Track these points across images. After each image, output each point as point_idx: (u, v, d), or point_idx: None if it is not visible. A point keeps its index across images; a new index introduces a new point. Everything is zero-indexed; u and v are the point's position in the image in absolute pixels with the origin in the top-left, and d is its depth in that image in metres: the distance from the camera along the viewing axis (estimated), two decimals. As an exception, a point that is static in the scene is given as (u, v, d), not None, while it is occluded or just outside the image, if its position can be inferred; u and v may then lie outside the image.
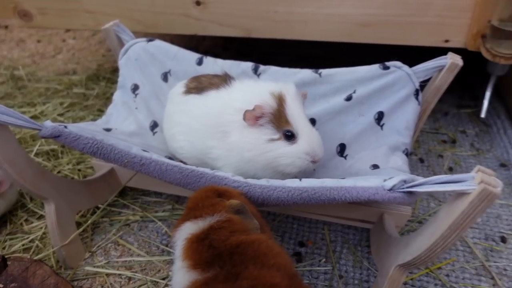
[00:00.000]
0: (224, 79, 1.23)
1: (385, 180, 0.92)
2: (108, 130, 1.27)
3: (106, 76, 2.32)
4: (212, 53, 1.51)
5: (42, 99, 2.05)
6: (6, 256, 1.08)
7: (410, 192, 0.89)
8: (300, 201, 0.97)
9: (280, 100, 1.10)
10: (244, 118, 1.08)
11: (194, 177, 1.05)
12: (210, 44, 2.79)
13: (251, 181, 1.03)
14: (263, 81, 1.22)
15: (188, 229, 0.84)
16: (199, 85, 1.25)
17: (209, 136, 1.17)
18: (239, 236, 0.80)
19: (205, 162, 1.20)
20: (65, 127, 1.08)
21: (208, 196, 0.92)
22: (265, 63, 1.43)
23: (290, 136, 1.09)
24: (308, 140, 1.09)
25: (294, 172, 1.11)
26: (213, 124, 1.16)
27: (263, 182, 1.02)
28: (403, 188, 0.88)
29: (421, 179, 0.87)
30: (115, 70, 2.42)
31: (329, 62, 1.89)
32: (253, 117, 1.08)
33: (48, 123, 1.07)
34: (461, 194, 0.80)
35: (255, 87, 1.16)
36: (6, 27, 3.18)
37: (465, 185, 0.79)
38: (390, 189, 0.89)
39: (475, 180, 0.78)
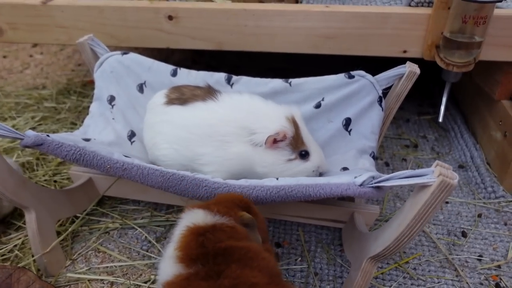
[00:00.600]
0: (208, 92, 1.29)
1: (355, 177, 0.99)
2: (87, 140, 1.30)
3: (77, 90, 2.33)
4: (182, 67, 1.57)
5: (13, 113, 2.04)
6: (-13, 266, 1.08)
7: (378, 187, 0.97)
8: (277, 198, 1.04)
9: (295, 124, 1.20)
10: (266, 142, 1.17)
11: (175, 180, 1.10)
12: (179, 58, 2.85)
13: (230, 181, 1.08)
14: (256, 97, 1.29)
15: (196, 216, 0.87)
16: (181, 96, 1.30)
17: (200, 144, 1.23)
18: (232, 242, 0.82)
19: (191, 168, 1.25)
20: (48, 135, 1.11)
21: (233, 201, 0.96)
22: (231, 74, 1.50)
23: (304, 155, 1.20)
24: (318, 156, 1.22)
25: None
26: (205, 133, 1.23)
27: (242, 182, 1.08)
28: (372, 184, 0.96)
29: (387, 175, 0.96)
30: (85, 84, 2.43)
31: (295, 74, 1.98)
32: (273, 141, 1.17)
33: (30, 132, 1.09)
34: (423, 187, 0.88)
35: (241, 100, 1.26)
36: (-30, 43, 3.13)
37: (426, 178, 0.87)
38: (361, 185, 0.97)
39: (435, 173, 0.86)
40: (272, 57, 1.96)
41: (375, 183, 0.97)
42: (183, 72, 1.54)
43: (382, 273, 1.26)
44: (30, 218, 1.18)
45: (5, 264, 1.20)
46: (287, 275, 1.24)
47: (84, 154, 1.12)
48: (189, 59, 2.83)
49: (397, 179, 0.93)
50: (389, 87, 1.36)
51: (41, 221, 1.20)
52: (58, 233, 1.30)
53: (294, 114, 1.22)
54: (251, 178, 1.16)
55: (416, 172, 0.90)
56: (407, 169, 1.72)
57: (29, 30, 1.81)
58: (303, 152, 1.20)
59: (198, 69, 1.56)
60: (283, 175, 1.19)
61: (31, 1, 1.74)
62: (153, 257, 1.28)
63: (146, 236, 1.36)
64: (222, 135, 1.21)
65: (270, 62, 2.66)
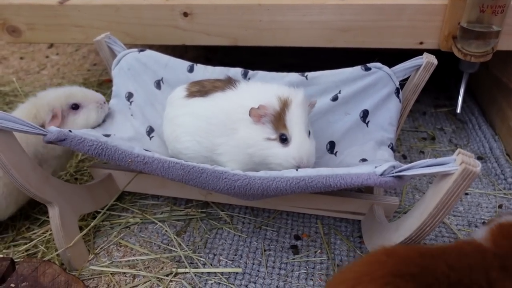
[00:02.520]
0: (228, 82, 1.30)
1: (376, 167, 0.99)
2: (107, 136, 1.31)
3: (93, 89, 2.34)
4: None
5: (32, 113, 2.07)
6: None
7: (399, 177, 0.96)
8: (298, 189, 1.04)
9: (284, 104, 1.16)
10: (250, 114, 1.16)
11: (195, 172, 1.11)
12: (193, 56, 2.86)
13: (250, 173, 1.09)
14: (271, 83, 1.29)
15: None
16: (202, 89, 1.31)
17: (218, 134, 1.24)
18: None
19: (212, 159, 1.26)
20: (70, 131, 1.13)
21: None
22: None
23: (284, 140, 1.15)
24: (298, 147, 1.14)
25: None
26: (222, 123, 1.23)
27: (262, 173, 1.09)
28: (393, 173, 0.96)
29: (409, 164, 0.95)
30: (101, 83, 2.46)
31: (309, 69, 1.98)
32: (257, 114, 1.15)
33: (53, 128, 1.11)
34: (445, 176, 0.88)
35: (266, 88, 1.23)
36: (-13, 45, 3.18)
37: (448, 167, 0.87)
38: (381, 174, 0.97)
39: (457, 161, 0.86)
40: (286, 53, 1.96)
41: (395, 172, 0.96)
42: (199, 68, 1.55)
43: (402, 265, 1.25)
44: (54, 213, 1.20)
45: (31, 257, 1.23)
46: (307, 267, 1.24)
47: (105, 149, 1.14)
48: (203, 57, 2.85)
49: (419, 168, 0.92)
50: (406, 79, 1.36)
51: (64, 216, 1.22)
52: (80, 228, 1.32)
53: (290, 96, 1.17)
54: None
55: (438, 160, 0.89)
56: (424, 161, 1.71)
57: (47, 30, 1.84)
58: (283, 136, 1.15)
59: (212, 66, 1.57)
60: (262, 154, 1.17)
61: (48, 1, 1.77)
62: (174, 250, 1.30)
63: (166, 230, 1.37)
64: (233, 122, 1.22)
65: (284, 58, 2.66)
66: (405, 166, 0.96)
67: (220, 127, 1.25)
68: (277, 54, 2.72)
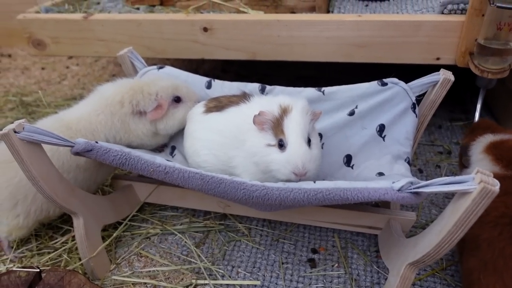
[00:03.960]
0: (243, 96, 1.34)
1: (393, 182, 1.01)
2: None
3: (113, 100, 2.40)
4: (212, 76, 1.62)
5: (54, 124, 2.13)
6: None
7: (417, 193, 0.98)
8: (315, 201, 1.06)
9: (284, 111, 1.18)
10: (254, 122, 1.18)
11: (214, 183, 1.13)
12: (209, 67, 2.91)
13: (268, 184, 1.11)
14: (281, 96, 1.32)
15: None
16: (219, 104, 1.35)
17: (231, 147, 1.27)
18: None
19: (228, 172, 1.29)
20: (96, 142, 1.17)
21: None
22: (264, 84, 1.53)
23: (281, 145, 1.16)
24: (292, 152, 1.14)
25: (283, 179, 1.17)
26: (234, 135, 1.26)
27: (279, 184, 1.11)
28: (411, 189, 0.98)
29: (427, 181, 0.97)
30: (120, 94, 2.51)
31: (324, 81, 2.01)
32: (259, 121, 1.18)
33: (80, 140, 1.15)
34: (463, 194, 0.89)
35: (273, 99, 1.26)
36: (10, 55, 3.27)
37: (466, 185, 0.88)
38: (399, 190, 0.98)
39: (476, 180, 0.87)
40: (301, 65, 1.99)
41: (413, 188, 0.98)
42: (217, 83, 1.58)
43: (419, 280, 1.27)
44: (78, 223, 1.24)
45: (56, 267, 1.26)
46: (324, 281, 1.26)
47: (129, 159, 1.17)
48: (219, 68, 2.89)
49: (437, 186, 0.94)
50: (423, 94, 1.37)
51: (88, 227, 1.25)
52: (102, 238, 1.35)
53: (291, 104, 1.19)
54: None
55: (456, 178, 0.91)
56: (441, 176, 1.72)
57: (71, 44, 1.90)
58: (281, 142, 1.16)
59: (228, 78, 1.61)
60: (264, 161, 1.18)
61: (73, 16, 1.83)
62: (193, 262, 1.32)
63: (185, 242, 1.40)
64: (243, 133, 1.24)
65: (300, 70, 2.70)
66: (423, 182, 0.97)
67: (232, 139, 1.28)
68: (292, 66, 2.75)
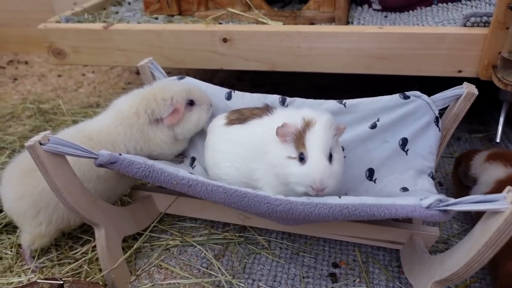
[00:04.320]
0: (266, 109, 1.33)
1: (421, 199, 1.00)
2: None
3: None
4: (227, 84, 1.62)
5: (71, 132, 2.14)
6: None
7: (445, 211, 0.97)
8: (340, 217, 1.05)
9: (307, 125, 1.16)
10: (277, 133, 1.18)
11: (237, 196, 1.13)
12: (224, 76, 2.91)
13: (292, 198, 1.10)
14: (306, 109, 1.32)
15: None
16: (241, 116, 1.35)
17: (253, 160, 1.27)
18: None
19: (250, 185, 1.28)
20: (120, 154, 1.17)
21: None
22: (279, 93, 1.53)
23: (302, 159, 1.15)
24: (312, 166, 1.12)
25: (301, 192, 1.16)
26: (257, 148, 1.26)
27: (304, 199, 1.10)
28: (439, 207, 0.96)
29: (455, 199, 0.95)
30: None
31: (339, 91, 2.01)
32: (282, 133, 1.17)
33: (104, 152, 1.15)
34: (494, 213, 0.88)
35: (297, 112, 1.24)
36: (26, 62, 3.30)
37: (498, 205, 0.87)
38: (427, 207, 0.97)
39: (507, 199, 0.86)
40: (317, 75, 1.98)
41: (442, 206, 0.97)
42: (237, 94, 1.58)
43: (442, 296, 1.24)
44: (100, 234, 1.24)
45: (78, 278, 1.26)
46: (346, 296, 1.25)
47: (152, 171, 1.17)
48: (234, 77, 2.89)
49: (467, 204, 0.92)
50: (445, 107, 1.36)
51: (110, 238, 1.25)
52: (122, 249, 1.35)
53: (315, 118, 1.17)
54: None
55: (487, 197, 0.89)
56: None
57: (90, 53, 1.91)
58: (301, 155, 1.15)
59: (243, 86, 1.60)
60: (283, 173, 1.17)
61: (94, 26, 1.84)
62: (214, 274, 1.32)
63: (205, 254, 1.39)
64: (265, 145, 1.23)
65: (315, 79, 2.69)
66: (453, 200, 0.96)
67: (255, 152, 1.27)
68: (307, 75, 2.75)
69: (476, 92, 1.28)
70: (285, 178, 1.18)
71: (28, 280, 1.30)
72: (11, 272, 1.35)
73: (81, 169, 1.28)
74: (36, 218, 1.30)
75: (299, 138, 1.16)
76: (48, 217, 1.30)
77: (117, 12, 2.17)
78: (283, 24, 1.78)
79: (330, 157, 1.15)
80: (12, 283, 1.30)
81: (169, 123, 1.39)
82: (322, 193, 1.13)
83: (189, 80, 1.62)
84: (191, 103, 1.43)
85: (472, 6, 1.78)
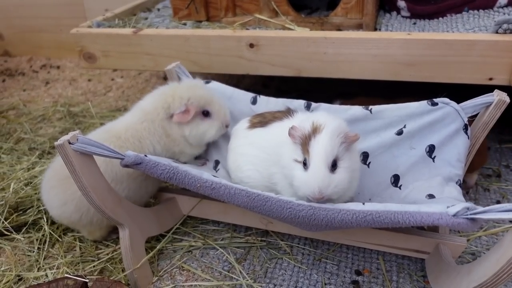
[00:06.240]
0: (287, 112, 1.33)
1: (448, 207, 0.97)
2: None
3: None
4: (252, 91, 1.62)
5: (99, 134, 2.19)
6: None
7: (473, 219, 0.94)
8: (364, 223, 1.04)
9: (314, 130, 1.13)
10: (289, 134, 1.17)
11: (260, 201, 1.13)
12: (250, 82, 2.92)
13: (315, 204, 1.09)
14: (322, 112, 1.30)
15: None
16: (263, 120, 1.36)
17: (273, 163, 1.27)
18: None
19: (271, 189, 1.28)
20: (145, 155, 1.19)
21: None
22: (305, 99, 1.52)
23: (305, 164, 1.12)
24: (310, 175, 1.10)
25: (303, 197, 1.14)
26: (275, 151, 1.25)
27: (327, 205, 1.09)
28: (467, 215, 0.94)
29: (485, 208, 0.93)
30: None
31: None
32: (292, 135, 1.16)
33: (130, 153, 1.17)
34: (525, 221, 0.85)
35: (313, 116, 1.21)
36: (58, 67, 3.40)
37: (528, 213, 0.84)
38: (454, 215, 0.95)
39: (538, 208, 0.83)
40: (342, 82, 1.97)
41: (470, 214, 0.94)
42: (262, 99, 1.59)
43: (469, 309, 1.21)
44: (124, 234, 1.25)
45: (103, 277, 1.28)
46: (368, 304, 1.22)
47: (177, 173, 1.19)
48: (260, 83, 2.91)
49: (496, 212, 0.90)
50: (475, 115, 1.33)
51: (133, 238, 1.27)
52: (145, 250, 1.37)
53: (324, 124, 1.13)
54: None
55: (517, 205, 0.87)
56: (490, 199, 1.65)
57: (120, 57, 1.95)
58: (305, 161, 1.12)
59: (269, 93, 1.61)
60: (289, 175, 1.15)
61: (124, 31, 1.88)
62: (235, 278, 1.32)
63: (227, 257, 1.39)
64: (281, 147, 1.22)
65: (341, 86, 2.67)
66: (481, 208, 0.93)
67: (273, 155, 1.27)
68: (333, 82, 2.73)
69: (507, 100, 1.24)
70: (291, 180, 1.16)
71: (54, 275, 1.33)
72: (37, 267, 1.38)
73: (113, 170, 1.31)
74: (80, 221, 1.37)
75: (305, 143, 1.13)
76: (89, 220, 1.36)
77: (146, 18, 2.21)
78: (310, 30, 1.78)
79: (334, 165, 1.12)
80: (38, 277, 1.33)
81: (176, 120, 1.39)
82: (323, 200, 1.10)
83: (215, 84, 1.64)
84: (206, 113, 1.43)
85: (504, 13, 1.74)
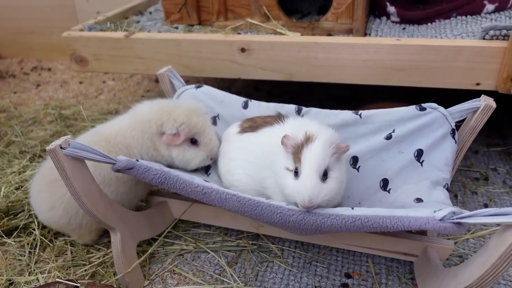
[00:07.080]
0: (277, 117, 1.35)
1: (435, 211, 0.99)
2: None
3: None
4: (244, 94, 1.64)
5: (91, 137, 2.19)
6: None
7: (459, 223, 0.96)
8: (353, 228, 1.05)
9: (307, 140, 1.14)
10: (281, 142, 1.18)
11: (250, 205, 1.14)
12: (242, 85, 2.94)
13: None
14: (313, 120, 1.32)
15: None
16: (253, 124, 1.37)
17: (263, 168, 1.28)
18: None
19: (261, 193, 1.29)
20: (137, 160, 1.19)
21: None
22: (295, 103, 1.54)
23: (296, 173, 1.14)
24: (301, 184, 1.11)
25: (294, 204, 1.15)
26: (266, 156, 1.27)
27: (317, 210, 1.10)
28: (453, 219, 0.96)
29: (470, 212, 0.95)
30: (155, 110, 2.57)
31: (357, 102, 2.01)
32: (284, 144, 1.17)
33: (122, 157, 1.18)
34: (509, 226, 0.88)
35: (307, 124, 1.24)
36: (50, 69, 3.38)
37: (513, 217, 0.86)
38: (441, 219, 0.97)
39: (523, 212, 0.85)
40: (333, 86, 1.99)
41: (456, 218, 0.96)
42: (253, 104, 1.60)
43: (457, 311, 1.23)
44: (115, 238, 1.26)
45: (94, 281, 1.29)
46: (358, 307, 1.24)
47: (168, 178, 1.20)
48: (251, 87, 2.92)
49: (481, 217, 0.92)
50: (462, 120, 1.35)
51: (125, 242, 1.28)
52: (137, 254, 1.37)
53: (316, 134, 1.15)
54: None
55: (502, 210, 0.89)
56: (478, 203, 1.68)
57: (111, 61, 1.96)
58: (296, 170, 1.14)
59: (260, 96, 1.62)
60: (280, 183, 1.17)
61: (115, 35, 1.89)
62: (226, 281, 1.33)
63: (218, 260, 1.40)
64: (274, 154, 1.24)
65: (332, 90, 2.69)
66: (467, 213, 0.95)
67: (264, 160, 1.29)
68: (324, 86, 2.76)
69: (494, 105, 1.27)
70: (282, 188, 1.18)
71: (45, 279, 1.33)
72: (28, 272, 1.38)
73: (101, 174, 1.32)
74: (69, 226, 1.37)
75: (297, 152, 1.15)
76: (78, 223, 1.36)
77: (138, 21, 2.22)
78: (301, 35, 1.80)
79: (325, 175, 1.13)
80: (29, 282, 1.33)
81: (165, 141, 1.38)
82: (312, 208, 1.11)
83: (206, 89, 1.65)
84: (194, 141, 1.42)
85: (491, 19, 1.77)
